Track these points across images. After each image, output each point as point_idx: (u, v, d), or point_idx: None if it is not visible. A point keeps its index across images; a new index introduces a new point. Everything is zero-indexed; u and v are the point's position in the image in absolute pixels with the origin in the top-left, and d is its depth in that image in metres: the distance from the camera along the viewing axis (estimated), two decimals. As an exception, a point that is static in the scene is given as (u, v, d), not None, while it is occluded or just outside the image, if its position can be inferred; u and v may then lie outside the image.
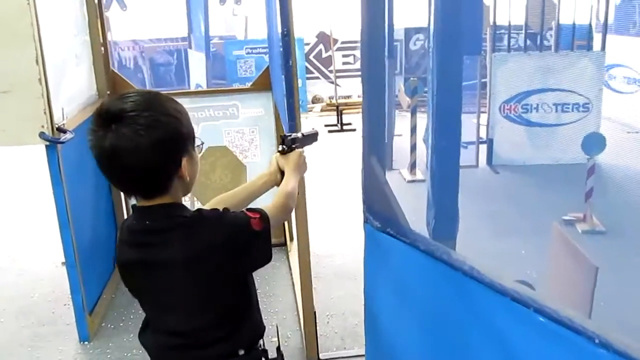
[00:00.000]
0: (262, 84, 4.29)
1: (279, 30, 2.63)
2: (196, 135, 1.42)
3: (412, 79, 6.37)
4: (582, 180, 4.75)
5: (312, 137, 2.04)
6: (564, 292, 2.56)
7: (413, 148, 6.27)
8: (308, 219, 2.94)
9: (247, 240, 1.39)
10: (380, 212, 1.66)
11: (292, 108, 2.68)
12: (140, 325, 1.51)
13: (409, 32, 9.33)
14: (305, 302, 3.01)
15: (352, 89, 10.40)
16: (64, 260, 3.31)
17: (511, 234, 4.42)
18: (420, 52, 11.14)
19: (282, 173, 1.76)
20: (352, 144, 7.88)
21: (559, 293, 2.58)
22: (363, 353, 3.21)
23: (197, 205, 1.82)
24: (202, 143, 1.46)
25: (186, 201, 3.53)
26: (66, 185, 3.14)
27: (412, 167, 6.28)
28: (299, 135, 1.93)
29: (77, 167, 3.27)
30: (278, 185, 1.74)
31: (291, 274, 4.06)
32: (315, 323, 3.04)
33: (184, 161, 1.34)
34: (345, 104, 9.62)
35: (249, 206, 1.54)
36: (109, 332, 3.45)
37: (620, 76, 8.01)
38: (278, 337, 1.62)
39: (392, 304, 1.68)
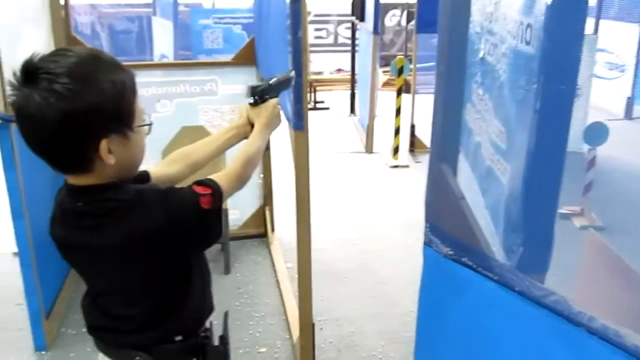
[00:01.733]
0: (245, 58, 3.84)
1: (286, -5, 2.20)
2: (145, 112, 1.25)
3: (398, 57, 5.96)
4: (576, 172, 4.50)
5: (287, 82, 1.70)
6: (608, 309, 2.26)
7: (397, 131, 5.90)
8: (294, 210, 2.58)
9: (195, 221, 1.22)
10: (451, 236, 1.27)
11: (299, 88, 2.26)
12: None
13: (385, 7, 8.95)
14: (303, 313, 2.61)
15: (324, 65, 9.97)
16: (15, 250, 2.84)
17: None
18: (395, 29, 10.79)
19: (253, 126, 1.57)
20: (327, 124, 7.49)
21: (602, 309, 2.27)
22: (363, 368, 2.91)
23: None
24: (151, 123, 1.27)
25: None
26: (20, 170, 2.69)
27: (395, 151, 5.92)
28: (270, 83, 1.61)
29: (34, 148, 2.76)
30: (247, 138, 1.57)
31: (275, 271, 3.66)
32: (313, 336, 2.66)
33: (104, 143, 1.14)
34: (317, 81, 9.19)
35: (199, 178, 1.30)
36: (70, 338, 2.98)
37: (602, 61, 7.79)
38: (225, 326, 1.45)
39: (463, 354, 1.30)
